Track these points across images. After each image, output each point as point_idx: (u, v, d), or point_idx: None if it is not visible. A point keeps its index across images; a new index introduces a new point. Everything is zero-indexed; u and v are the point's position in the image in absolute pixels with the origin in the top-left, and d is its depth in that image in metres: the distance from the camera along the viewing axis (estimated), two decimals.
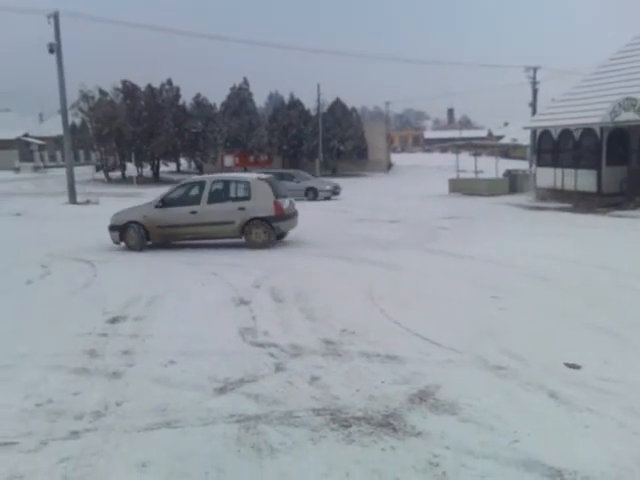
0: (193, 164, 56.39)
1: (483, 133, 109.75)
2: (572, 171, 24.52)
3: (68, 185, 30.41)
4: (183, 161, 58.84)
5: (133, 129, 46.44)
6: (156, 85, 49.81)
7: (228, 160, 53.15)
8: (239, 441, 4.62)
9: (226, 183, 14.79)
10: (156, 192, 23.24)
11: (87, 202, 29.15)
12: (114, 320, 8.06)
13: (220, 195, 14.45)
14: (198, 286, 10.25)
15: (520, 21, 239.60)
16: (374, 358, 6.39)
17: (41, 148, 74.16)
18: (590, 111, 23.24)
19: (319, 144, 51.68)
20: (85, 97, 47.20)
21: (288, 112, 53.88)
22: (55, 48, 29.18)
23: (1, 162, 60.85)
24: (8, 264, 12.80)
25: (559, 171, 25.35)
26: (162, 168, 52.70)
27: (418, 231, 17.22)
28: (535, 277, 10.49)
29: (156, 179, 48.84)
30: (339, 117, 54.18)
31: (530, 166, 39.94)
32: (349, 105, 56.74)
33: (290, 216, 14.73)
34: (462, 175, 34.67)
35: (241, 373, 6.00)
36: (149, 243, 14.67)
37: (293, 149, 53.27)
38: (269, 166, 53.39)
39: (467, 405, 5.15)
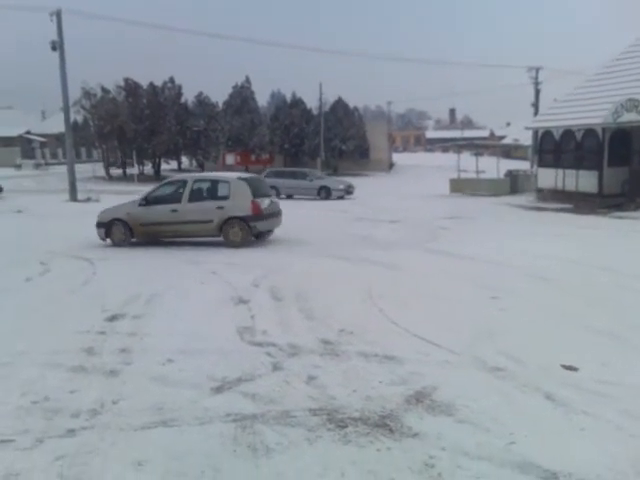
0: (195, 162, 56.39)
1: (485, 133, 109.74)
2: (573, 172, 24.51)
3: (69, 182, 30.45)
4: (185, 159, 58.85)
5: (135, 127, 46.47)
6: (158, 83, 49.88)
7: (230, 159, 53.18)
8: (235, 440, 4.61)
9: (206, 182, 14.97)
10: None
11: (88, 199, 29.17)
12: (113, 318, 8.06)
13: (200, 194, 14.62)
14: (197, 285, 10.25)
15: (523, 21, 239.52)
16: (372, 358, 6.38)
17: (43, 145, 74.22)
18: (592, 112, 23.22)
19: (321, 143, 51.68)
20: (87, 95, 47.26)
21: (290, 111, 53.89)
22: (58, 46, 29.21)
23: (3, 159, 60.89)
24: (7, 261, 12.81)
25: (560, 172, 25.33)
26: (163, 166, 52.76)
27: (418, 231, 17.21)
28: (535, 278, 10.47)
29: (157, 177, 48.83)
30: (341, 116, 54.18)
31: (531, 166, 39.91)
32: (351, 104, 56.83)
33: (270, 215, 14.77)
34: (463, 175, 34.69)
35: (239, 372, 5.99)
36: (133, 240, 14.87)
37: (295, 148, 53.27)
38: (271, 165, 53.39)
39: (464, 406, 5.14)
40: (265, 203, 14.49)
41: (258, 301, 8.96)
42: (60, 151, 67.87)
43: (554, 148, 26.04)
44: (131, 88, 48.69)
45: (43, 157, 68.57)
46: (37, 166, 60.91)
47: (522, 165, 45.56)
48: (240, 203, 14.07)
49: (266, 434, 4.70)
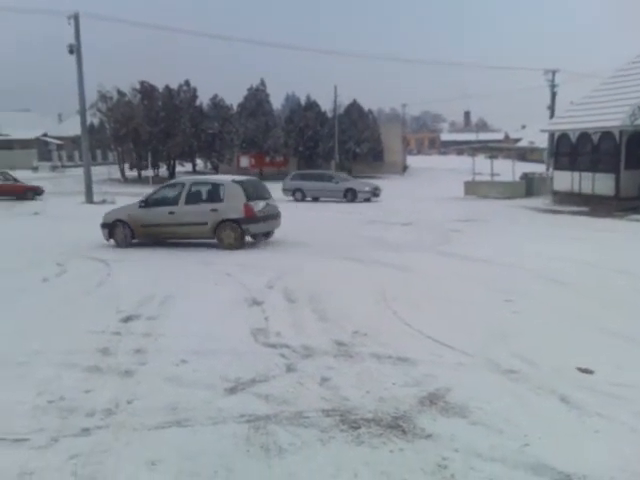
0: (209, 165, 56.62)
1: (500, 136, 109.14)
2: (590, 174, 24.33)
3: (85, 185, 30.68)
4: (199, 161, 59.11)
5: (150, 129, 46.79)
6: (174, 86, 50.22)
7: (244, 161, 53.31)
8: (248, 441, 4.63)
9: (203, 185, 15.16)
10: None
11: (103, 201, 29.34)
12: (127, 319, 8.12)
13: (196, 197, 14.76)
14: (211, 286, 10.30)
15: (538, 23, 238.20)
16: (385, 360, 6.38)
17: (59, 148, 74.84)
18: (609, 114, 23.05)
19: (335, 146, 51.68)
20: (103, 98, 47.69)
21: (304, 114, 53.92)
22: (75, 49, 29.46)
23: (20, 161, 61.43)
24: (25, 262, 12.94)
25: (577, 174, 25.16)
26: (178, 168, 53.04)
27: (432, 234, 17.16)
28: (550, 280, 10.42)
29: (172, 179, 49.09)
30: (355, 119, 54.16)
31: (547, 169, 39.64)
32: (365, 107, 56.78)
33: (265, 218, 14.83)
34: (478, 178, 34.52)
35: (252, 373, 6.01)
36: (134, 241, 15.12)
37: (309, 150, 53.30)
38: (286, 167, 53.48)
39: (477, 408, 5.12)
40: (259, 206, 14.57)
41: (272, 302, 8.98)
42: (76, 153, 68.39)
43: (570, 151, 25.88)
44: (147, 91, 49.06)
45: (60, 159, 69.12)
46: (54, 168, 61.45)
47: (537, 168, 45.24)
48: (233, 206, 14.20)
49: (279, 435, 4.71)
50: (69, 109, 78.09)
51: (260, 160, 52.82)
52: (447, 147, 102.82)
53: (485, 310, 8.48)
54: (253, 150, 51.94)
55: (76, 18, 29.31)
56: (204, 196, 14.76)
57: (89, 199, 30.07)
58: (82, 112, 31.72)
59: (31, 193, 32.18)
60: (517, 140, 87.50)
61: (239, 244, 14.27)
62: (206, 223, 14.31)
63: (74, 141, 68.86)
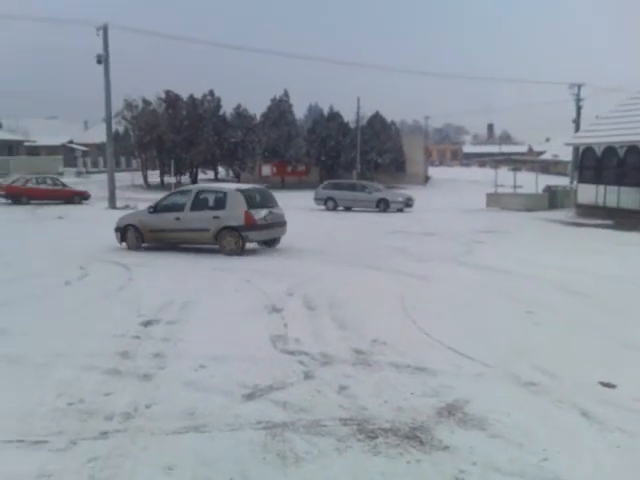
0: (231, 173, 56.95)
1: (523, 149, 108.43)
2: (615, 188, 24.09)
3: (109, 190, 31.02)
4: (221, 170, 59.47)
5: (173, 137, 47.23)
6: (198, 95, 50.68)
7: (266, 170, 53.56)
8: (265, 448, 4.62)
9: (208, 193, 15.46)
10: None
11: (126, 207, 29.60)
12: (147, 323, 8.16)
13: (201, 204, 15.05)
14: (231, 292, 10.32)
15: (565, 37, 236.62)
16: (404, 369, 6.34)
17: (84, 154, 75.71)
18: (636, 128, 22.84)
19: (357, 156, 51.71)
20: (129, 106, 48.27)
21: (327, 124, 54.06)
22: (103, 59, 29.88)
23: (46, 167, 62.16)
24: (49, 265, 13.09)
25: (601, 188, 24.92)
26: (200, 176, 53.41)
27: (453, 244, 17.08)
28: (572, 292, 10.30)
29: None
30: (378, 130, 54.19)
31: (571, 182, 39.32)
32: (388, 118, 56.82)
33: (268, 226, 14.99)
34: (500, 190, 34.30)
35: (270, 380, 6.00)
36: (144, 245, 15.46)
37: (331, 160, 53.38)
38: (307, 177, 53.60)
39: (496, 421, 5.06)
40: (261, 214, 14.71)
41: (291, 309, 8.98)
42: (101, 160, 69.15)
43: (595, 164, 25.65)
44: (171, 100, 49.58)
45: (84, 166, 69.89)
46: (78, 174, 62.14)
47: (561, 181, 44.91)
48: (234, 213, 14.41)
49: (296, 442, 4.69)
50: (95, 117, 79.22)
51: (282, 169, 53.03)
52: (469, 159, 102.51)
53: (506, 321, 8.40)
54: (275, 159, 52.19)
55: (105, 29, 29.76)
56: (208, 203, 15.06)
57: (112, 204, 30.37)
58: (108, 120, 32.10)
59: (78, 197, 32.99)
60: (541, 153, 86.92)
61: (239, 251, 14.44)
62: (209, 230, 14.58)
63: (99, 148, 69.66)
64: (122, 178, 47.39)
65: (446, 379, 6.02)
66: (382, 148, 53.55)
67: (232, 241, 14.46)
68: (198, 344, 7.21)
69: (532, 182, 33.50)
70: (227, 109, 52.24)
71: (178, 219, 14.90)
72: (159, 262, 13.65)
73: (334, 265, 13.24)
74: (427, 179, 61.25)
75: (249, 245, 15.11)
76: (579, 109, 44.50)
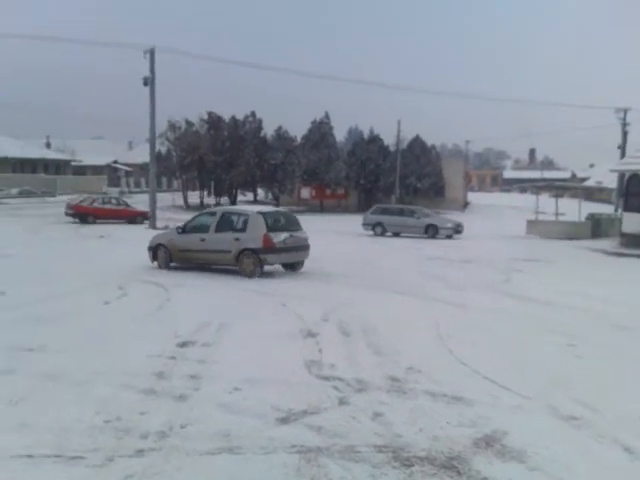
0: (270, 195, 57.39)
1: (566, 174, 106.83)
2: None
3: (150, 210, 31.54)
4: (260, 191, 59.99)
5: (214, 158, 47.90)
6: (240, 117, 51.39)
7: (305, 192, 53.84)
8: (299, 472, 4.60)
9: (231, 215, 15.78)
10: None
11: (166, 227, 30.00)
12: (184, 344, 8.23)
13: (225, 225, 15.33)
14: (267, 315, 10.36)
15: (610, 59, 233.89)
16: (440, 398, 6.25)
17: (128, 174, 77.44)
18: None
19: (396, 180, 51.63)
20: (172, 127, 49.17)
21: (367, 147, 54.12)
22: (149, 81, 30.60)
23: (91, 186, 63.75)
24: (89, 283, 13.35)
25: None
26: (239, 197, 53.92)
27: (491, 272, 16.87)
28: (614, 325, 10.07)
29: None
30: (418, 154, 54.05)
31: (615, 210, 38.53)
32: (428, 142, 56.63)
33: (287, 249, 15.05)
34: (541, 217, 33.79)
35: (304, 404, 5.99)
36: (172, 265, 15.86)
37: (370, 184, 53.35)
38: (345, 200, 53.66)
39: (535, 453, 4.95)
40: (280, 237, 14.80)
41: (326, 334, 8.97)
42: (143, 180, 70.52)
43: None
44: (213, 121, 50.37)
45: (127, 185, 71.40)
46: (121, 194, 63.51)
47: (605, 209, 44.02)
48: (254, 236, 14.58)
49: (330, 468, 4.66)
50: (139, 137, 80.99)
51: (321, 192, 53.23)
52: (510, 184, 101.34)
53: (545, 352, 8.24)
54: (314, 182, 52.40)
55: (152, 52, 30.51)
56: (231, 225, 15.33)
57: (152, 225, 30.86)
58: (152, 141, 32.79)
59: (140, 218, 33.77)
60: (584, 179, 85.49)
61: (257, 273, 14.55)
62: (230, 251, 14.80)
63: (142, 168, 71.03)
64: (163, 198, 48.20)
65: (483, 410, 5.92)
66: (421, 172, 53.35)
67: (250, 263, 14.60)
68: (233, 366, 7.24)
69: (575, 209, 32.92)
70: (268, 130, 52.70)
71: (203, 240, 15.24)
72: (195, 283, 13.80)
73: (370, 290, 13.20)
74: (466, 204, 60.78)
75: (270, 268, 15.27)
76: (625, 134, 43.65)
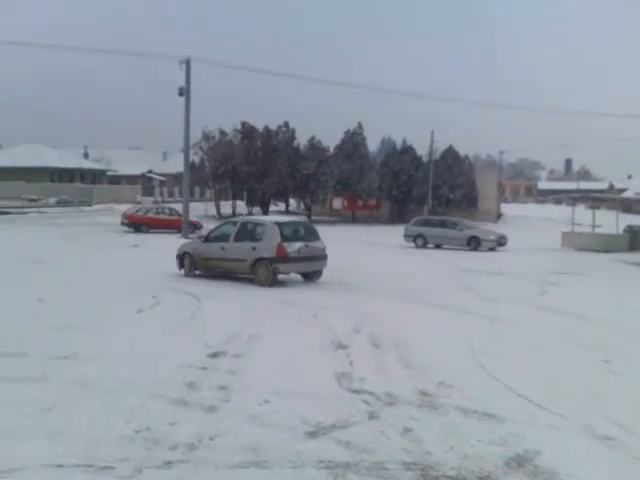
0: (302, 205, 57.53)
1: (603, 185, 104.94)
2: None
3: (183, 219, 31.85)
4: (292, 202, 60.18)
5: (248, 168, 48.27)
6: (273, 127, 51.72)
7: (337, 203, 53.85)
8: None
9: (250, 225, 16.09)
10: None
11: (199, 237, 30.30)
12: (214, 355, 8.26)
13: (243, 235, 15.61)
14: (298, 327, 10.35)
15: None
16: (471, 415, 6.15)
17: (162, 184, 78.48)
18: None
19: (429, 191, 51.33)
20: (206, 137, 49.67)
21: (400, 157, 53.93)
22: (184, 92, 30.99)
23: (126, 196, 64.85)
24: (122, 292, 13.53)
25: None
26: (272, 207, 54.18)
27: (525, 285, 16.63)
28: None
29: None
30: (450, 164, 53.66)
31: None
32: (462, 152, 56.21)
33: (301, 259, 15.14)
34: (577, 229, 33.20)
35: (334, 418, 5.95)
36: (197, 272, 16.25)
37: (402, 195, 53.14)
38: (377, 211, 53.49)
39: (569, 475, 4.83)
40: (294, 247, 14.91)
41: (357, 347, 8.91)
42: (176, 190, 71.44)
43: None
44: (247, 131, 50.80)
45: (161, 195, 72.36)
46: (155, 203, 64.37)
47: None
48: (268, 245, 14.77)
49: None
50: (174, 147, 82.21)
51: (353, 203, 53.18)
52: (544, 196, 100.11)
53: (581, 369, 8.06)
54: (346, 192, 52.37)
55: (187, 63, 30.93)
56: (249, 235, 15.59)
57: (185, 234, 31.14)
58: (186, 151, 33.19)
59: (192, 227, 34.02)
60: (622, 190, 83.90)
61: (270, 282, 14.69)
62: (246, 260, 15.06)
63: (176, 177, 72.01)
64: (196, 208, 48.63)
65: (516, 428, 5.81)
66: (454, 183, 52.94)
67: (264, 272, 14.79)
68: (263, 378, 7.24)
69: (612, 221, 32.30)
70: (301, 141, 52.95)
71: (223, 249, 15.60)
72: (226, 292, 13.89)
73: (402, 303, 13.12)
74: (499, 216, 60.09)
75: (287, 277, 15.43)
76: None
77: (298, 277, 15.98)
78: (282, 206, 57.53)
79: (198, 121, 44.98)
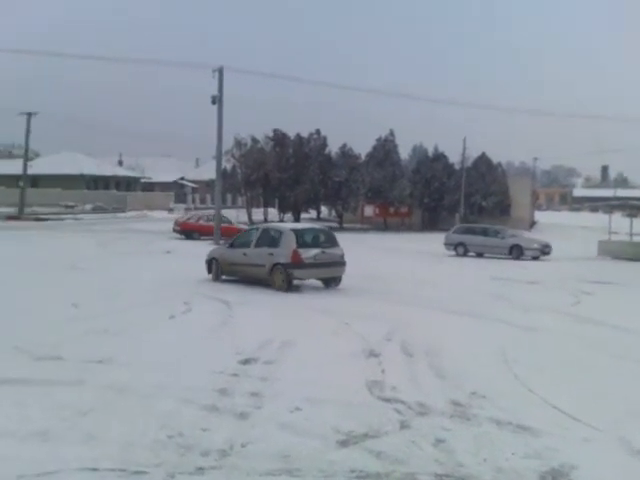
0: (333, 212, 57.52)
1: None
2: None
3: (215, 226, 32.08)
4: (324, 209, 60.21)
5: (279, 176, 48.46)
6: (305, 134, 51.88)
7: (368, 210, 53.68)
8: None
9: (269, 231, 16.61)
10: None
11: (225, 243, 30.47)
12: (246, 361, 8.29)
13: (263, 241, 16.02)
14: (329, 334, 10.33)
15: None
16: (505, 426, 6.07)
17: (194, 191, 79.34)
18: None
19: (461, 199, 50.91)
20: (238, 144, 50.04)
21: (431, 165, 53.64)
22: (217, 100, 31.28)
23: (159, 203, 65.76)
24: (155, 298, 13.68)
25: None
26: (303, 215, 54.28)
27: (560, 294, 16.36)
28: None
29: None
30: (483, 172, 53.16)
31: None
32: (494, 159, 55.66)
33: (317, 265, 15.31)
34: (614, 237, 32.54)
35: (365, 427, 5.92)
36: (223, 277, 16.70)
37: (434, 202, 52.81)
38: (409, 218, 53.16)
39: None
40: (310, 253, 15.14)
41: (389, 355, 8.87)
42: (208, 197, 72.10)
43: None
44: (279, 138, 51.04)
45: (193, 202, 73.15)
46: (187, 210, 65.08)
47: None
48: (284, 251, 15.10)
49: None
50: (206, 154, 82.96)
51: (384, 210, 52.97)
52: (580, 203, 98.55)
53: (617, 381, 7.90)
54: (378, 200, 52.19)
55: (220, 72, 31.24)
56: (268, 241, 15.93)
57: (217, 241, 31.35)
58: (218, 158, 33.47)
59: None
60: None
61: (285, 287, 14.95)
62: (264, 265, 15.45)
63: (208, 185, 72.65)
64: (228, 215, 48.96)
65: (551, 441, 5.70)
66: (487, 191, 52.41)
67: (280, 277, 15.10)
68: (294, 385, 7.24)
69: None
70: (332, 148, 52.93)
71: (245, 254, 16.08)
72: (257, 299, 13.99)
73: (434, 311, 13.02)
74: (533, 224, 59.34)
75: (298, 282, 15.48)
76: None
77: (321, 285, 16.02)
78: (314, 213, 57.59)
79: (230, 128, 45.44)
